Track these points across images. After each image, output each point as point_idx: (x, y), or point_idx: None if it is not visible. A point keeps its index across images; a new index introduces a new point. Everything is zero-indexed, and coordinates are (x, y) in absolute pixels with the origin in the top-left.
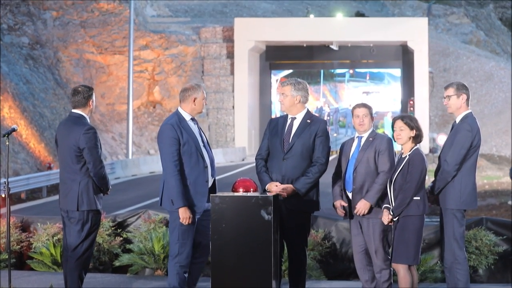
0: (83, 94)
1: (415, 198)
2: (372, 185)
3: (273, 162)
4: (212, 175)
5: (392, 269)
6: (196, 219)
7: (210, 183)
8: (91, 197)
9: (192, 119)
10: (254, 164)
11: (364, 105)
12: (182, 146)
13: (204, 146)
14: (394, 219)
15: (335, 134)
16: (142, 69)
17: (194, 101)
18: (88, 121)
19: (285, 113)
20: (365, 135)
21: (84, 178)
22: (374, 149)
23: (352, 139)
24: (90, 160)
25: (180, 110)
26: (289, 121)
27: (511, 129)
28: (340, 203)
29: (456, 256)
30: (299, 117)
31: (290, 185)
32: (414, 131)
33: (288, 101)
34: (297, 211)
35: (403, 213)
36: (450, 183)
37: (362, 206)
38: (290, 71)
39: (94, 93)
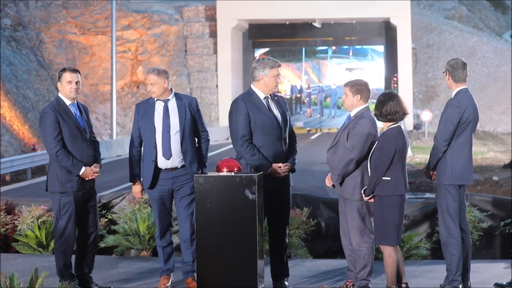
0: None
1: (384, 178)
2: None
3: (268, 141)
4: (166, 157)
5: (365, 249)
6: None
7: (165, 164)
8: (55, 179)
9: (174, 99)
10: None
11: (345, 84)
12: (140, 125)
13: (164, 127)
14: (366, 198)
15: (318, 116)
16: (125, 49)
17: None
18: (65, 102)
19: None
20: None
21: (52, 160)
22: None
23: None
24: (44, 142)
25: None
26: (264, 100)
27: (511, 105)
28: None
29: (450, 231)
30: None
31: (289, 164)
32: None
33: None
34: (286, 187)
35: (376, 193)
36: (442, 159)
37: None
38: (268, 49)
39: (65, 75)
